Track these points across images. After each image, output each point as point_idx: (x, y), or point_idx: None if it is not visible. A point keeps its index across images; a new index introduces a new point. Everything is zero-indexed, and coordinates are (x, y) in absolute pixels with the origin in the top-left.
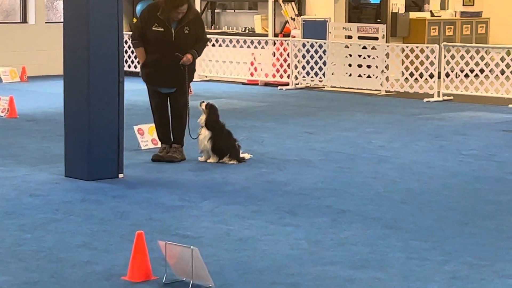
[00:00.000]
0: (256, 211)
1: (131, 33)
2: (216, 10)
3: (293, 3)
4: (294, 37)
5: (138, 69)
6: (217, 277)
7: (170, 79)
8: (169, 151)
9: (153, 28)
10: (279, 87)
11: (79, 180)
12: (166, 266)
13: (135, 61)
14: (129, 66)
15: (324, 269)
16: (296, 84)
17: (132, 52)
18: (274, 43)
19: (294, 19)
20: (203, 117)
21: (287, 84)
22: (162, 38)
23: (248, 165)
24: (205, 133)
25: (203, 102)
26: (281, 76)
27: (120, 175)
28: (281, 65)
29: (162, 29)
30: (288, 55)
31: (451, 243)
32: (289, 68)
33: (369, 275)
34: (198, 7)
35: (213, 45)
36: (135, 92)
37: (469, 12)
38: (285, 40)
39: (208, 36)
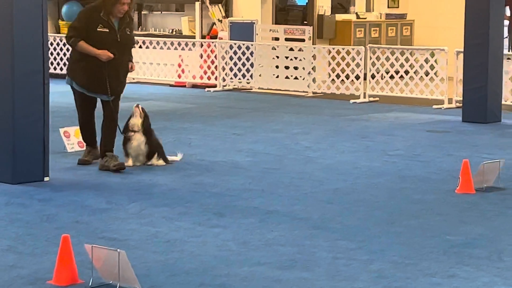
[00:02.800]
0: (183, 212)
1: (55, 35)
2: (143, 12)
3: (220, 5)
4: (222, 39)
5: (65, 71)
6: (144, 280)
7: (115, 86)
8: (104, 160)
9: (98, 29)
10: (206, 89)
11: (4, 183)
12: (92, 270)
13: (61, 63)
14: (54, 68)
15: (252, 270)
16: (224, 86)
17: (58, 54)
18: (202, 45)
19: (221, 21)
20: (138, 121)
21: (215, 86)
22: (108, 39)
23: (176, 167)
24: (140, 138)
25: (139, 105)
26: (209, 78)
27: (46, 178)
28: (209, 67)
29: (107, 30)
30: (215, 57)
31: (377, 243)
32: (216, 70)
33: (296, 275)
34: None
35: (140, 47)
36: (61, 94)
37: (394, 14)
38: (213, 42)
39: (135, 37)
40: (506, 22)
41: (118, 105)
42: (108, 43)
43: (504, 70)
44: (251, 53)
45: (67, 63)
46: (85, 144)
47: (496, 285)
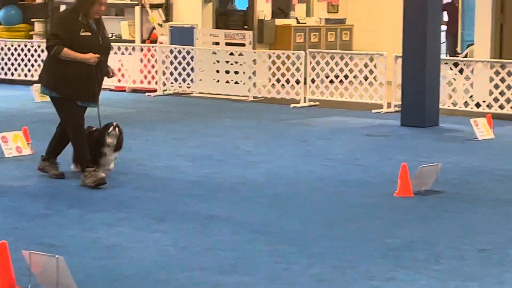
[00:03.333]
0: (123, 218)
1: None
2: None
3: (160, 9)
4: (162, 43)
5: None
6: (83, 286)
7: (98, 91)
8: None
9: (82, 34)
10: (147, 94)
11: None
12: (30, 276)
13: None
14: None
15: (192, 275)
16: (164, 90)
17: None
18: (142, 50)
19: (161, 25)
20: (113, 141)
21: (155, 91)
22: (92, 43)
23: (116, 171)
24: (113, 156)
25: (116, 125)
26: (149, 83)
27: None
28: (149, 72)
29: (90, 34)
30: (155, 61)
31: (317, 246)
32: (156, 74)
33: (236, 279)
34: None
35: None
36: None
37: (333, 19)
38: (153, 47)
39: None
40: (444, 28)
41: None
42: (93, 47)
43: (441, 75)
44: (192, 58)
45: (5, 67)
46: (88, 164)
47: (433, 287)
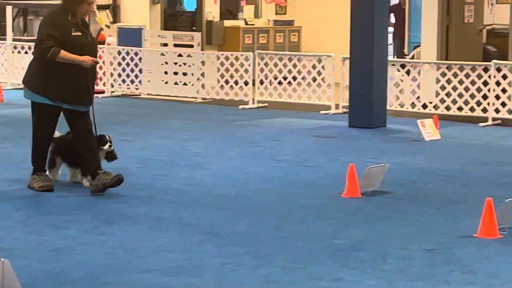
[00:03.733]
0: (71, 220)
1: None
2: (28, 17)
3: (107, 10)
4: (110, 44)
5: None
6: None
7: (90, 93)
8: (98, 179)
9: (73, 34)
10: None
11: None
12: None
13: None
14: None
15: (140, 277)
16: (112, 92)
17: None
18: None
19: (109, 27)
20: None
21: (103, 92)
22: (83, 43)
23: (64, 174)
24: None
25: (109, 139)
26: (97, 84)
27: None
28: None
29: (80, 33)
30: (103, 62)
31: (265, 248)
32: (104, 75)
33: (184, 281)
34: (9, 13)
35: (26, 52)
36: None
37: (281, 21)
38: (100, 48)
39: (20, 43)
40: (391, 29)
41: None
42: (84, 47)
43: (388, 76)
44: (140, 59)
45: None
46: (38, 169)
47: (381, 287)
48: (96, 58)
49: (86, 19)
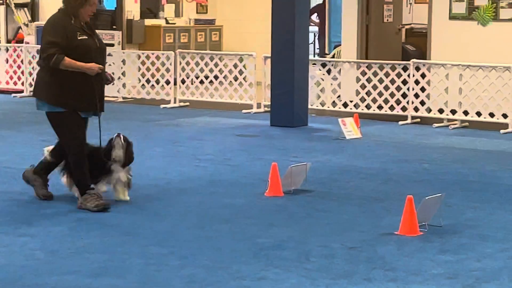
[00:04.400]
0: None
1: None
2: None
3: (26, 9)
4: (28, 43)
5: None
6: None
7: (102, 99)
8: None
9: (79, 38)
10: (13, 95)
11: None
12: None
13: None
14: None
15: (62, 279)
16: (31, 91)
17: None
18: (7, 50)
19: (27, 25)
20: (120, 153)
21: (22, 91)
22: (90, 46)
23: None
24: (121, 169)
25: (121, 135)
26: (15, 83)
27: None
28: (15, 72)
29: (86, 37)
30: (22, 61)
31: (188, 247)
32: (23, 75)
33: (107, 282)
34: None
35: None
36: None
37: (203, 20)
38: (19, 47)
39: None
40: (315, 29)
41: None
42: (91, 50)
43: (310, 75)
44: None
45: None
46: (89, 186)
47: (304, 285)
48: (105, 62)
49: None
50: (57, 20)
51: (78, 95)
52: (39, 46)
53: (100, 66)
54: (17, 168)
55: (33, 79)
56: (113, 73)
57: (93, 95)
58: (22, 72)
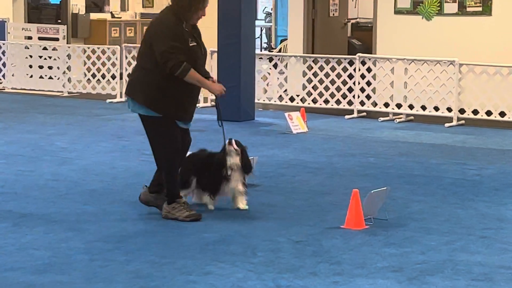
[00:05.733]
0: None
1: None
2: None
3: None
4: None
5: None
6: None
7: (195, 108)
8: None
9: (191, 44)
10: None
11: None
12: None
13: None
14: None
15: (4, 276)
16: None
17: None
18: None
19: None
20: (236, 160)
21: None
22: (198, 53)
23: None
24: (238, 178)
25: (232, 141)
26: None
27: None
28: None
29: (196, 44)
30: None
31: (134, 243)
32: None
33: (51, 279)
34: None
35: None
36: None
37: (149, 14)
38: None
39: None
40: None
41: None
42: (199, 58)
43: (256, 70)
44: (3, 52)
45: None
46: (175, 198)
47: (250, 280)
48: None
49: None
50: (172, 23)
51: (179, 104)
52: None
53: (224, 89)
54: None
55: None
56: (58, 68)
57: (193, 106)
58: None
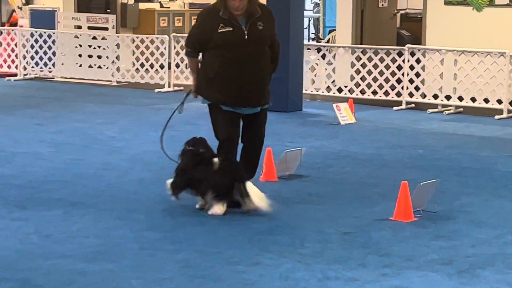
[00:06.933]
0: None
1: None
2: None
3: None
4: (22, 26)
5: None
6: None
7: (255, 93)
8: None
9: (220, 30)
10: (7, 78)
11: None
12: None
13: None
14: None
15: (56, 263)
16: (25, 75)
17: None
18: (1, 33)
19: (21, 8)
20: None
21: (16, 75)
22: (233, 38)
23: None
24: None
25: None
26: (9, 67)
27: None
28: (9, 55)
29: (231, 29)
30: (15, 45)
31: (183, 232)
32: (17, 58)
33: (101, 267)
34: None
35: None
36: None
37: (197, 4)
38: (13, 30)
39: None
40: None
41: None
42: (234, 43)
43: (304, 60)
44: (53, 42)
45: None
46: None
47: (299, 271)
48: (260, 54)
49: None
50: (205, 12)
51: (221, 87)
52: (33, 29)
53: (193, 91)
54: (11, 151)
55: (27, 63)
56: (107, 57)
57: (241, 89)
58: (16, 56)
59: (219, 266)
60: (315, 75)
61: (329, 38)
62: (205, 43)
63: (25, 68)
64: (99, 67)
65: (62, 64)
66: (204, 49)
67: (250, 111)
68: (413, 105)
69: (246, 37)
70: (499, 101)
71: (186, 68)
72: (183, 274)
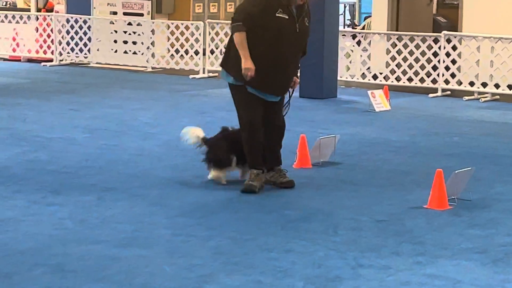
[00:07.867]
0: (18, 190)
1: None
2: None
3: None
4: (58, 12)
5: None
6: None
7: (285, 83)
8: (276, 176)
9: (277, 15)
10: (42, 63)
11: None
12: None
13: None
14: None
15: (89, 249)
16: (61, 60)
17: None
18: (37, 18)
19: None
20: None
21: (51, 60)
22: (287, 27)
23: (10, 143)
24: None
25: None
26: (45, 52)
27: None
28: (45, 41)
29: (287, 17)
30: (51, 30)
31: (216, 219)
32: (53, 44)
33: (134, 252)
34: None
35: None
36: None
37: None
38: (48, 15)
39: None
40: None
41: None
42: (286, 32)
43: (339, 47)
44: (89, 27)
45: None
46: (255, 167)
47: (332, 258)
48: (299, 49)
49: None
50: None
51: (266, 73)
52: (69, 15)
53: (251, 74)
54: (46, 137)
55: (63, 48)
56: (142, 43)
57: (271, 77)
58: (52, 41)
59: (252, 253)
60: (350, 62)
61: (365, 25)
62: (257, 22)
63: (60, 54)
64: (134, 53)
65: (98, 50)
66: (252, 27)
67: (273, 99)
68: (448, 92)
69: (297, 30)
70: None
71: (221, 54)
72: (215, 260)
